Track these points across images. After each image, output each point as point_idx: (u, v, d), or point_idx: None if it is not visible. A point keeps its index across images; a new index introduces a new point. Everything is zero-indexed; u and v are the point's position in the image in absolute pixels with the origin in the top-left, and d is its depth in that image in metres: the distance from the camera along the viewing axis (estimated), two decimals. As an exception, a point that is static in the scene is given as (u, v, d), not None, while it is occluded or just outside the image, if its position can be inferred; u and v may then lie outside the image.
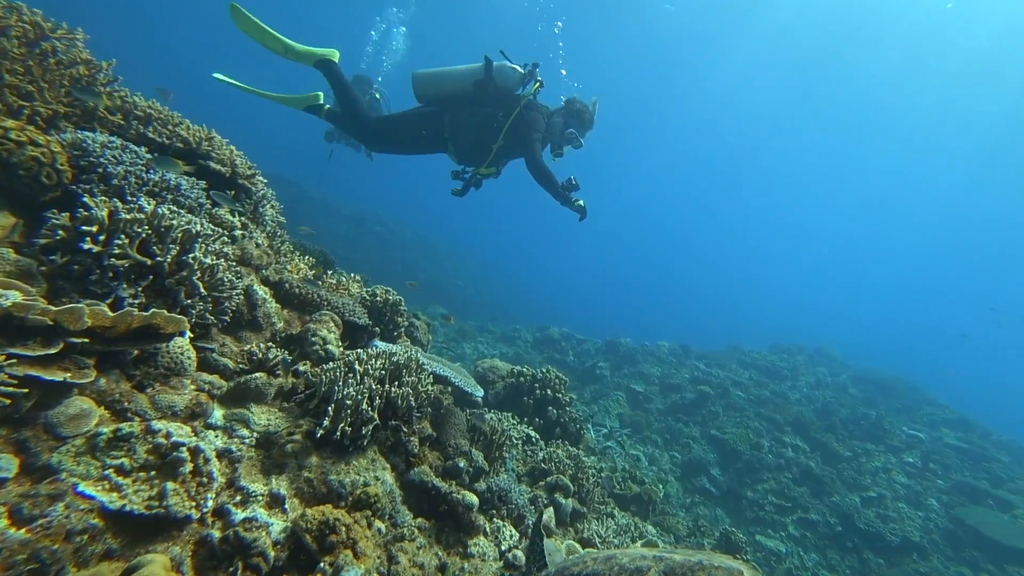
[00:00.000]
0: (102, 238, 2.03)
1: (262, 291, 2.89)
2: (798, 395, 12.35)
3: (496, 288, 26.68)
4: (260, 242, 4.04)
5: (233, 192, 3.90)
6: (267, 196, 4.50)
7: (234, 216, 3.50)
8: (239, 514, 1.98)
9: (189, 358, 2.17)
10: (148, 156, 2.51)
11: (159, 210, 2.21)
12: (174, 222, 2.26)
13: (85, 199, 2.05)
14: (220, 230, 2.57)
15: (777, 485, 8.66)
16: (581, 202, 4.84)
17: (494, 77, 4.76)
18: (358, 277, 5.93)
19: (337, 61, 5.04)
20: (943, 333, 53.90)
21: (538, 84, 4.83)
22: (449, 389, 3.84)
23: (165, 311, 1.99)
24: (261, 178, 4.33)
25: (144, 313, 1.91)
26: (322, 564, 1.76)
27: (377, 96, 9.65)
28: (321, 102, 5.14)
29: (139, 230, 2.12)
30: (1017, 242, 49.19)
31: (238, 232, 3.55)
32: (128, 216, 2.10)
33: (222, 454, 2.20)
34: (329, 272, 4.50)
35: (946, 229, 53.57)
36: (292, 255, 4.86)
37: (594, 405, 10.32)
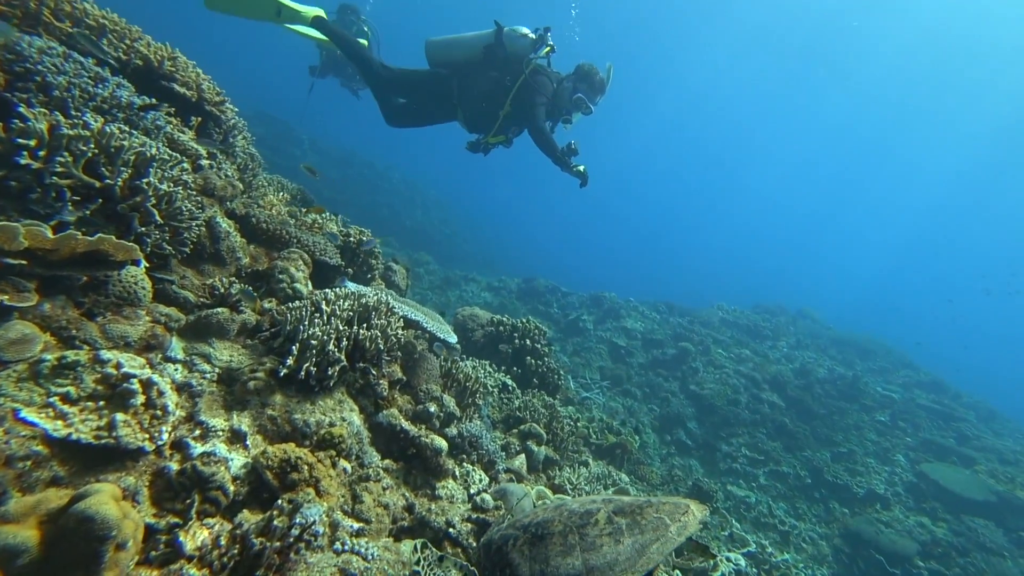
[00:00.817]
0: (42, 153, 1.86)
1: (226, 224, 2.75)
2: (778, 354, 12.68)
3: (485, 238, 26.41)
4: (229, 173, 3.84)
5: (199, 119, 3.66)
6: (238, 126, 4.25)
7: (200, 145, 3.28)
8: (198, 448, 1.94)
9: (144, 288, 2.06)
10: (96, 69, 2.29)
11: (108, 128, 2.04)
12: (125, 143, 2.09)
13: (21, 109, 1.87)
14: (178, 156, 2.39)
15: (751, 439, 9.01)
16: (581, 168, 4.76)
17: (504, 42, 4.69)
18: (335, 217, 5.77)
19: (326, 16, 5.01)
20: (930, 299, 55.56)
21: (548, 48, 4.71)
22: (425, 335, 3.80)
23: (114, 237, 1.86)
24: (231, 106, 4.07)
25: (90, 238, 1.78)
26: (280, 501, 1.73)
27: (365, 28, 9.14)
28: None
29: (84, 148, 1.96)
30: (1009, 206, 49.86)
31: (204, 161, 3.35)
32: (71, 132, 1.93)
33: (181, 388, 2.14)
34: (303, 210, 4.33)
35: (937, 193, 54.06)
36: (265, 189, 4.66)
37: (576, 357, 10.46)
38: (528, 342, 6.16)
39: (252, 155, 5.16)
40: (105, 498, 1.40)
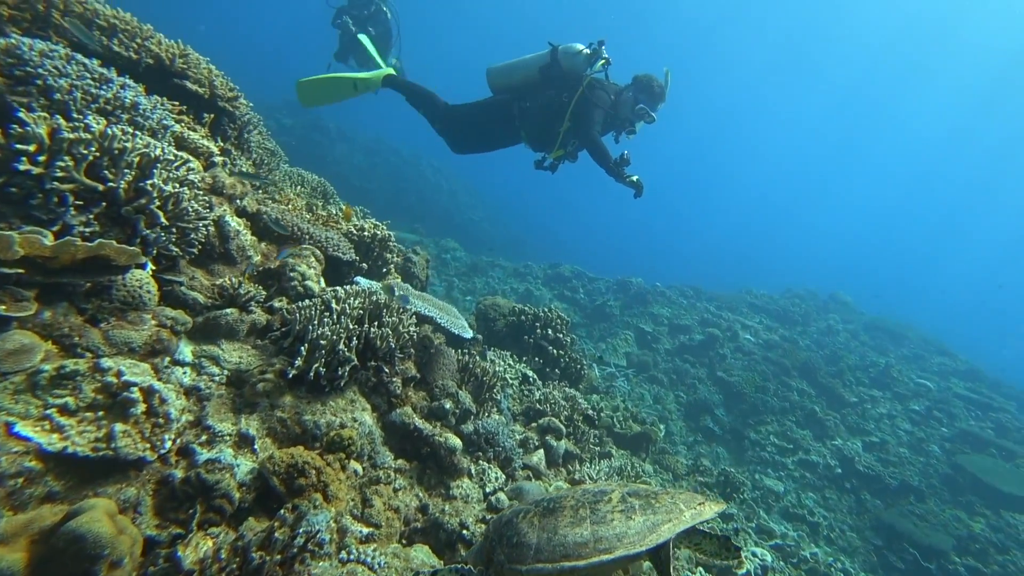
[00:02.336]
0: (42, 158, 1.84)
1: (235, 222, 2.72)
2: (808, 340, 12.26)
3: (511, 223, 26.24)
4: (245, 170, 3.83)
5: (212, 116, 3.64)
6: (252, 121, 4.22)
7: (210, 142, 3.26)
8: (204, 454, 1.92)
9: (149, 292, 2.04)
10: (100, 70, 2.26)
11: (109, 130, 2.00)
12: (128, 144, 2.05)
13: (20, 114, 1.84)
14: (184, 156, 2.36)
15: (780, 427, 8.75)
16: (635, 178, 4.71)
17: (560, 61, 4.83)
18: (356, 210, 5.74)
19: (396, 72, 5.49)
20: (974, 284, 52.77)
21: (603, 61, 4.78)
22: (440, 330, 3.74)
23: (115, 241, 1.83)
24: (245, 101, 4.03)
25: (89, 243, 1.75)
26: (283, 511, 1.69)
27: (384, 8, 9.03)
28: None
29: (86, 151, 1.93)
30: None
31: (217, 159, 3.33)
32: (72, 135, 1.89)
33: (190, 391, 2.12)
34: (319, 204, 4.30)
35: (981, 179, 50.96)
36: (282, 184, 4.65)
37: (602, 343, 10.32)
38: (550, 331, 6.05)
39: (270, 150, 5.17)
40: (98, 515, 1.38)
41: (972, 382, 12.11)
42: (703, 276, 17.91)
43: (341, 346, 2.41)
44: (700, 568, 4.29)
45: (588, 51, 4.82)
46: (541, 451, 3.85)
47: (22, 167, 1.79)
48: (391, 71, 5.47)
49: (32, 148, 1.82)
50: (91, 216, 1.97)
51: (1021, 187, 47.77)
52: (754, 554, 5.37)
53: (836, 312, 15.18)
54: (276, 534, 1.60)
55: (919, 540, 6.86)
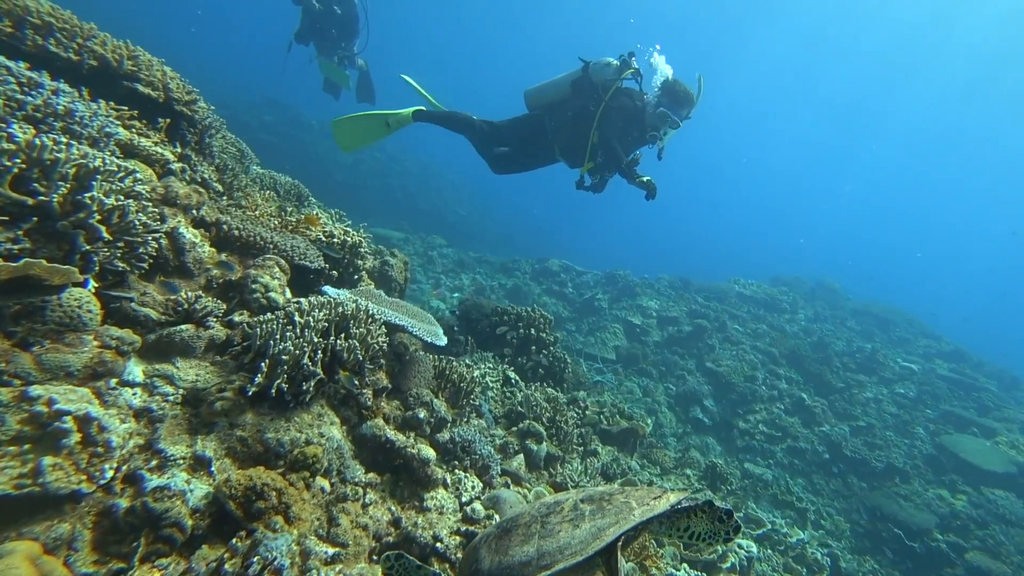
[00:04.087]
0: (-39, 173, 1.71)
1: (191, 234, 2.59)
2: (795, 328, 12.40)
3: (498, 218, 26.13)
4: (207, 176, 3.68)
5: (168, 120, 3.49)
6: (215, 124, 4.07)
7: (165, 149, 3.11)
8: (153, 480, 1.82)
9: (90, 311, 1.92)
10: (29, 74, 2.12)
11: (38, 140, 1.87)
12: (60, 155, 1.92)
13: (-65, 125, 1.71)
14: (128, 165, 2.23)
15: (769, 416, 8.82)
16: (646, 179, 4.78)
17: (590, 75, 4.95)
18: (331, 212, 5.60)
19: (425, 108, 5.63)
20: (967, 267, 53.84)
21: (631, 71, 4.89)
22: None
23: (44, 261, 1.71)
24: (204, 104, 3.88)
25: (14, 263, 1.63)
26: (234, 540, 1.60)
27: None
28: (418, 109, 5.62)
29: (10, 163, 1.80)
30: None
31: (175, 165, 3.19)
32: (-6, 146, 1.77)
33: (140, 413, 2.01)
34: (288, 210, 4.17)
35: (973, 159, 51.94)
36: (249, 189, 4.50)
37: (591, 337, 10.30)
38: (533, 331, 5.99)
39: (237, 153, 5.01)
40: (16, 560, 1.27)
41: (956, 363, 12.33)
42: (692, 267, 18.00)
43: (306, 360, 2.31)
44: (685, 565, 4.27)
45: (617, 62, 4.95)
46: (521, 456, 3.78)
47: (-62, 182, 1.66)
48: (421, 108, 5.58)
49: (-50, 162, 1.69)
50: (19, 232, 1.84)
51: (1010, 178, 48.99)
52: (739, 546, 5.37)
53: (823, 299, 15.37)
54: (226, 566, 1.50)
55: (904, 520, 7.00)
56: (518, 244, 22.56)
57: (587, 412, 6.12)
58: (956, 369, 11.79)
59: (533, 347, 5.87)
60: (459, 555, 2.42)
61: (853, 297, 16.45)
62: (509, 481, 3.36)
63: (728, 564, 4.68)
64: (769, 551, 6.05)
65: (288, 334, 2.35)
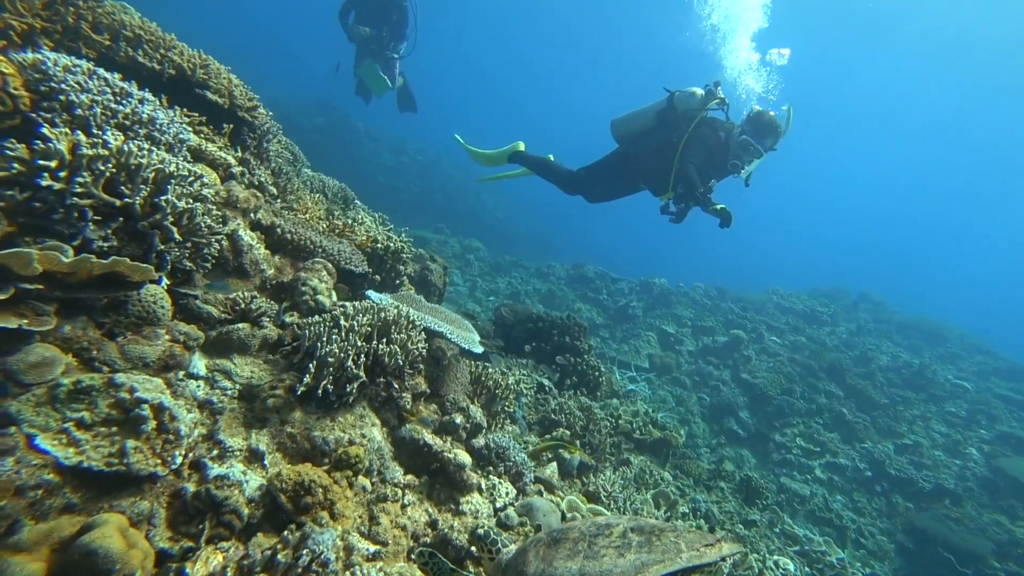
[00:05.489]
0: (63, 174, 1.88)
1: (248, 236, 2.75)
2: (836, 341, 12.01)
3: (535, 223, 26.24)
4: (264, 180, 3.87)
5: (231, 126, 3.70)
6: (272, 130, 4.27)
7: (228, 153, 3.31)
8: (215, 469, 1.94)
9: (163, 307, 2.07)
10: (121, 84, 2.31)
11: (126, 146, 2.04)
12: (143, 160, 2.08)
13: (44, 130, 1.89)
14: (197, 170, 2.39)
15: (807, 429, 8.59)
16: (720, 206, 4.82)
17: (676, 105, 5.02)
18: (375, 216, 5.78)
19: (523, 149, 6.04)
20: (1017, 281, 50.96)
21: (717, 100, 4.95)
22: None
23: (128, 259, 1.86)
24: (264, 110, 4.09)
25: (104, 260, 1.78)
26: (286, 533, 1.69)
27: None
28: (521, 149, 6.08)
29: (103, 168, 1.96)
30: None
31: (236, 169, 3.38)
32: (91, 152, 1.93)
33: (203, 405, 2.15)
34: (335, 213, 4.33)
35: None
36: (301, 192, 4.70)
37: (624, 345, 10.24)
38: (567, 339, 6.02)
39: (291, 157, 5.23)
40: (110, 530, 1.39)
41: (1015, 381, 11.62)
42: (728, 276, 17.59)
43: (350, 363, 2.42)
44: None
45: (703, 92, 4.99)
46: (554, 464, 3.81)
47: (44, 182, 1.83)
48: (520, 147, 6.02)
49: (54, 164, 1.86)
50: (109, 231, 2.00)
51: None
52: (776, 563, 5.23)
53: (867, 312, 14.82)
54: (279, 556, 1.59)
55: (955, 544, 6.64)
56: (554, 248, 22.58)
57: (620, 421, 6.09)
58: (1016, 388, 11.11)
59: (567, 354, 5.89)
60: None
61: (899, 310, 15.76)
62: (543, 488, 3.40)
63: (760, 587, 4.57)
64: (807, 569, 5.87)
65: (334, 337, 2.45)
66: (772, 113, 4.85)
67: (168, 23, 3.58)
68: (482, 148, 6.32)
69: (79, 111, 2.08)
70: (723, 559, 1.76)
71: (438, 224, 15.47)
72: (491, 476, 3.07)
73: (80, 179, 1.91)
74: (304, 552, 1.70)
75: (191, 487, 1.84)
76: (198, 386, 2.18)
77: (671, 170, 4.99)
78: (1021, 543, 6.90)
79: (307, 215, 4.06)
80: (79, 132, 1.99)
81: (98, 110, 2.12)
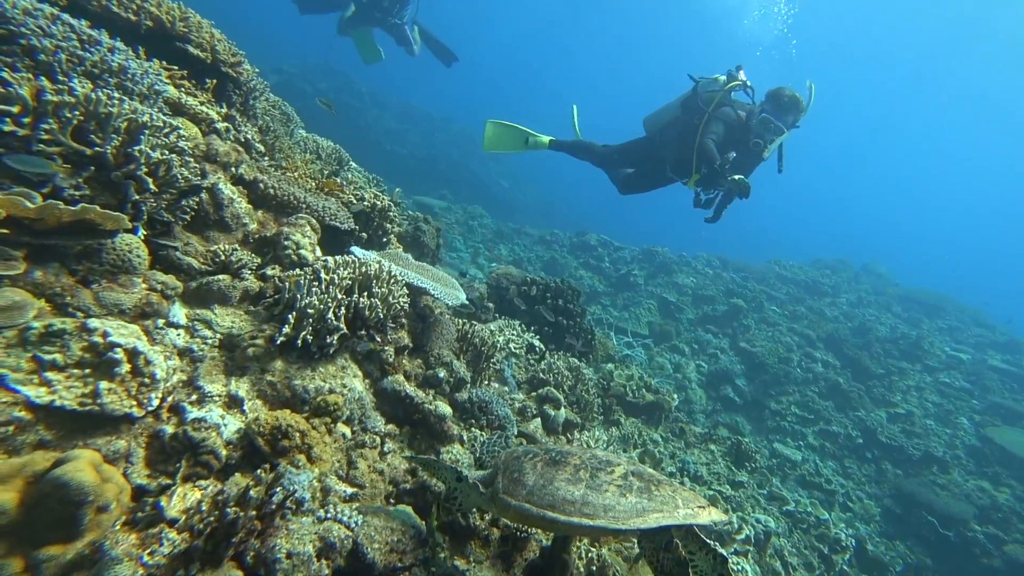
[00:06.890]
0: (27, 120, 1.87)
1: (229, 190, 2.74)
2: (836, 312, 12.08)
3: (541, 191, 26.03)
4: (250, 137, 3.83)
5: (215, 81, 3.64)
6: (258, 88, 4.20)
7: (211, 108, 3.26)
8: (192, 412, 2.00)
9: (139, 256, 2.09)
10: (89, 31, 2.26)
11: (95, 94, 2.02)
12: (114, 109, 2.07)
13: (4, 74, 1.87)
14: (173, 122, 2.37)
15: (802, 398, 8.73)
16: (738, 177, 4.80)
17: (699, 92, 5.15)
18: (369, 177, 5.73)
19: (559, 140, 6.20)
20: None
21: (736, 83, 5.03)
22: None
23: (98, 207, 1.87)
24: (249, 67, 4.01)
25: (73, 207, 1.79)
26: (259, 472, 1.75)
27: None
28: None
29: (71, 115, 1.95)
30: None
31: (220, 125, 3.34)
32: (56, 98, 1.92)
33: (183, 352, 2.19)
34: (326, 173, 4.30)
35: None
36: (291, 151, 4.65)
37: (625, 312, 10.30)
38: (561, 302, 6.05)
39: (282, 116, 5.16)
40: (82, 464, 1.45)
41: (1010, 354, 11.71)
42: (731, 248, 17.47)
43: (330, 315, 2.45)
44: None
45: (724, 77, 5.10)
46: (538, 420, 3.89)
47: (6, 128, 1.82)
48: (555, 139, 6.16)
49: (16, 109, 1.85)
50: (80, 180, 2.00)
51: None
52: (758, 520, 5.38)
53: (869, 284, 14.77)
54: (251, 492, 1.66)
55: (939, 508, 6.86)
56: (558, 217, 22.42)
57: (612, 383, 6.18)
58: (1010, 360, 11.20)
59: (560, 317, 5.93)
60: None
61: (901, 282, 15.68)
62: (524, 442, 3.48)
63: (743, 535, 4.71)
64: (786, 525, 6.05)
65: (314, 289, 2.48)
66: (792, 90, 4.83)
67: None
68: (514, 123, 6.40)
69: (42, 56, 2.05)
70: (713, 524, 1.84)
71: (442, 191, 15.35)
72: (473, 428, 3.14)
73: (46, 126, 1.90)
74: (277, 490, 1.76)
75: (169, 429, 1.91)
76: (178, 334, 2.22)
77: (693, 152, 5.08)
78: (1002, 508, 7.08)
79: (296, 174, 4.04)
80: (43, 78, 1.97)
81: (63, 56, 2.09)
